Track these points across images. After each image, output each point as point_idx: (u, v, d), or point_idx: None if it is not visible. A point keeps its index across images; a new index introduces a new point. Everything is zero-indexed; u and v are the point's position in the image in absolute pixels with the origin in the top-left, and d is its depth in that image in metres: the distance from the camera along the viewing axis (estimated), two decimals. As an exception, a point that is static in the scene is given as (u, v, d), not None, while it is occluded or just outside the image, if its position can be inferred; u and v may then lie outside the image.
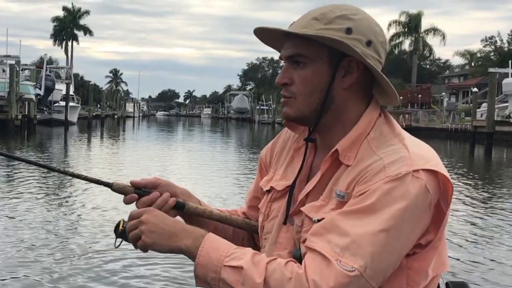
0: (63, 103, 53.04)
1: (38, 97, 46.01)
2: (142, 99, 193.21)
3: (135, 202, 1.81)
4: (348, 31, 1.63)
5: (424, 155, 1.59)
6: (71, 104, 54.94)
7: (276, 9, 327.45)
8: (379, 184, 1.53)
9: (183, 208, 1.84)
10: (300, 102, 1.69)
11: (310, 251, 1.55)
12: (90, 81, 76.56)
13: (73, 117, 55.96)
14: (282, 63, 1.75)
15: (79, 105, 63.53)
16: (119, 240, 1.74)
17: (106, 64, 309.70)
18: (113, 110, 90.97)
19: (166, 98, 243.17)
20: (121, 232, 1.72)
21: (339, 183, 1.63)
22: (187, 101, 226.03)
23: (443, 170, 1.58)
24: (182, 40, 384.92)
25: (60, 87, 54.89)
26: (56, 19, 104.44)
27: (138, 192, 1.81)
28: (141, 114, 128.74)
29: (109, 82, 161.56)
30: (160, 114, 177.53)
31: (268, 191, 1.87)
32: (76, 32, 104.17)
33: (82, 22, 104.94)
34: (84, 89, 77.82)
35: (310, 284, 1.48)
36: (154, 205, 1.79)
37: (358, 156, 1.63)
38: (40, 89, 47.11)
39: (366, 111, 1.69)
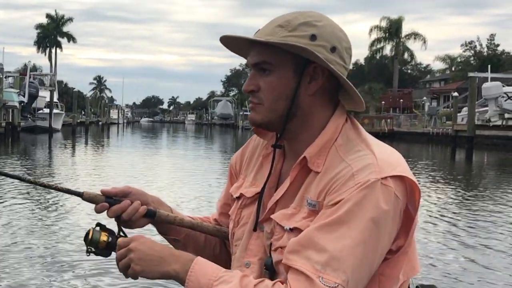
0: (47, 110, 52.81)
1: (22, 104, 45.69)
2: (127, 105, 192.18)
3: (106, 211, 1.81)
4: (313, 37, 1.64)
5: (391, 161, 1.61)
6: (55, 111, 54.64)
7: (258, 15, 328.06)
8: (350, 193, 1.54)
9: (154, 216, 1.85)
10: (266, 108, 1.70)
11: (291, 270, 1.54)
12: (74, 88, 75.63)
13: (57, 124, 55.66)
14: None
15: (63, 112, 63.19)
16: (90, 248, 1.75)
17: (90, 71, 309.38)
18: (97, 116, 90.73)
19: (151, 104, 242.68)
20: (89, 241, 1.73)
21: (309, 191, 1.65)
22: (171, 108, 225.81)
23: (410, 175, 1.60)
24: (166, 47, 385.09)
25: (44, 94, 54.56)
26: (39, 26, 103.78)
27: (108, 201, 1.81)
28: (125, 121, 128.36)
29: (93, 89, 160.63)
30: (144, 121, 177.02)
31: (238, 198, 1.88)
32: (59, 39, 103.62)
33: (65, 29, 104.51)
34: (68, 96, 77.38)
35: None
36: (124, 213, 1.80)
37: (327, 163, 1.65)
38: (24, 96, 46.85)
39: (333, 117, 1.71)
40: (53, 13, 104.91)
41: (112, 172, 19.98)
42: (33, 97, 49.50)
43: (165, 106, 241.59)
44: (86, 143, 43.06)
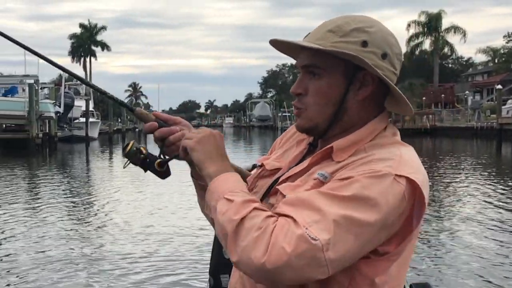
0: (83, 120, 53.40)
1: (58, 114, 46.23)
2: (163, 111, 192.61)
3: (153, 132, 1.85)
4: (364, 44, 1.66)
5: (413, 166, 1.61)
6: (91, 120, 55.31)
7: (292, 15, 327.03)
8: (360, 174, 1.55)
9: None
10: (312, 113, 1.72)
11: (283, 216, 1.54)
12: (113, 96, 75.99)
13: (94, 133, 56.35)
14: None
15: (99, 120, 63.86)
16: (127, 161, 1.82)
17: (125, 78, 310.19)
18: (134, 123, 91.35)
19: (187, 109, 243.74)
20: (127, 152, 1.80)
21: (322, 169, 1.67)
22: (208, 111, 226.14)
23: (425, 190, 1.59)
24: (200, 51, 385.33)
25: (80, 103, 55.01)
26: (73, 36, 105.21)
27: (158, 121, 1.85)
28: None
29: (129, 96, 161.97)
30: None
31: (259, 167, 1.93)
32: (93, 48, 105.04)
33: (99, 37, 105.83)
34: (104, 104, 78.08)
35: (271, 239, 1.48)
36: (172, 136, 1.83)
37: (351, 157, 1.66)
38: (59, 106, 47.33)
39: (373, 121, 1.72)
40: (86, 22, 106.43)
41: (151, 175, 19.88)
42: (69, 107, 49.94)
43: (202, 110, 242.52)
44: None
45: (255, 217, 1.53)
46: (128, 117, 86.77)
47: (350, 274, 1.60)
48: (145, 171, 1.83)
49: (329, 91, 1.69)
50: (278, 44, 1.79)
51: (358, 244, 1.53)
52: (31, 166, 27.91)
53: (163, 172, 1.84)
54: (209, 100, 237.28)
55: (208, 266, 2.93)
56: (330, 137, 1.74)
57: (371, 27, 1.69)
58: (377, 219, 1.52)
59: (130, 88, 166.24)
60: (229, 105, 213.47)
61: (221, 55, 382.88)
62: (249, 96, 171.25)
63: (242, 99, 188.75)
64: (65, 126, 50.44)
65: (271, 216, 1.54)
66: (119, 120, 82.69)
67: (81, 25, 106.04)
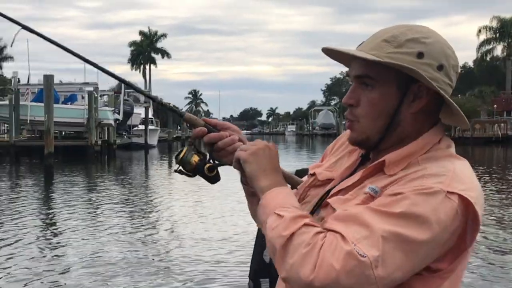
0: (142, 127, 54.01)
1: (117, 122, 46.80)
2: (224, 118, 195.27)
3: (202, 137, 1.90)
4: (420, 55, 1.64)
5: (467, 182, 1.58)
6: (150, 127, 55.84)
7: (355, 21, 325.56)
8: (411, 192, 1.53)
9: None
10: (364, 125, 1.71)
11: (331, 232, 1.53)
12: (169, 103, 77.15)
13: (153, 140, 56.82)
14: None
15: (158, 128, 64.28)
16: (179, 167, 1.87)
17: (185, 85, 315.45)
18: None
19: (248, 116, 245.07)
20: (180, 160, 1.85)
21: (374, 183, 1.66)
22: (270, 119, 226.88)
23: (478, 207, 1.57)
24: (261, 58, 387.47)
25: (139, 110, 55.52)
26: (133, 43, 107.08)
27: (208, 127, 1.88)
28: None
29: (189, 103, 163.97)
30: (242, 133, 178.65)
31: (311, 175, 1.93)
32: (153, 55, 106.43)
33: (159, 45, 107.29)
34: (163, 112, 79.00)
35: (319, 257, 1.48)
36: (221, 141, 1.86)
37: (403, 171, 1.64)
38: (118, 113, 47.92)
39: (427, 133, 1.70)
40: (146, 30, 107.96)
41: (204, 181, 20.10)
42: (128, 114, 50.46)
43: (263, 117, 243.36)
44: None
45: (305, 234, 1.53)
46: (188, 124, 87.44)
47: None
48: (194, 175, 1.86)
49: (382, 103, 1.68)
50: (331, 53, 1.77)
51: (408, 262, 1.51)
52: (90, 173, 28.37)
53: (213, 177, 1.87)
54: (271, 108, 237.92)
55: (248, 270, 2.89)
56: (382, 150, 1.73)
57: (427, 38, 1.67)
58: (428, 237, 1.51)
59: (190, 95, 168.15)
60: (291, 112, 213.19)
61: (283, 62, 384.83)
62: (312, 103, 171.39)
63: (304, 107, 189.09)
64: (124, 133, 50.97)
65: (321, 232, 1.54)
66: (179, 127, 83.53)
67: (141, 33, 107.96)
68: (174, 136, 69.52)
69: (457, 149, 1.72)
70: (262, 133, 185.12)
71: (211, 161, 1.87)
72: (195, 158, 1.85)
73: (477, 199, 1.57)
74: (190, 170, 1.85)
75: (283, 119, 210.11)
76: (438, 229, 1.51)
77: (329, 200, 1.74)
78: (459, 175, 1.58)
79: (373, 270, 1.46)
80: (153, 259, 9.66)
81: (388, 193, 1.58)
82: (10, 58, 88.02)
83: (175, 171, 1.87)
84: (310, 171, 1.96)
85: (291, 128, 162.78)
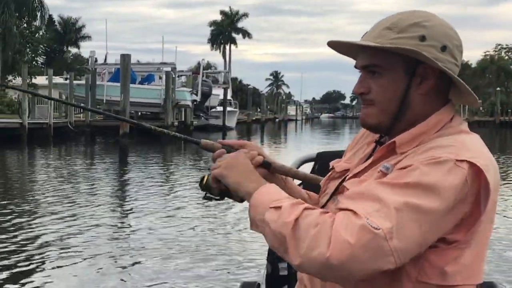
0: (220, 108, 54.15)
1: (195, 103, 47.17)
2: (305, 101, 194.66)
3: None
4: (422, 38, 1.73)
5: (476, 151, 1.65)
6: (229, 109, 55.82)
7: (445, 2, 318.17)
8: (420, 163, 1.60)
9: (269, 166, 2.00)
10: (377, 109, 1.80)
11: (342, 211, 1.58)
12: (249, 85, 77.84)
13: (231, 122, 56.91)
14: None
15: (237, 109, 64.24)
16: (206, 193, 1.92)
17: (266, 67, 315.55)
18: (274, 113, 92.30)
19: (331, 99, 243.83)
20: (204, 186, 1.90)
21: (389, 162, 1.74)
22: (354, 102, 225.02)
23: (489, 174, 1.60)
24: (347, 39, 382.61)
25: (218, 92, 55.63)
26: (213, 23, 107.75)
27: (226, 148, 1.95)
28: (304, 117, 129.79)
29: (269, 85, 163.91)
30: (324, 117, 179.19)
31: (331, 169, 2.04)
32: (234, 35, 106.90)
33: (240, 25, 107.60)
34: (243, 93, 79.38)
35: (332, 233, 1.51)
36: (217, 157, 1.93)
37: (415, 149, 1.71)
38: (196, 95, 48.31)
39: (437, 112, 1.78)
40: (227, 9, 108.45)
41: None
42: (206, 95, 50.71)
43: (347, 101, 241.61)
44: (262, 140, 43.92)
45: (309, 216, 1.58)
46: (268, 106, 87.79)
47: (419, 264, 1.64)
48: (222, 198, 1.91)
49: (391, 87, 1.76)
50: (336, 46, 1.89)
51: (423, 231, 1.55)
52: (166, 154, 28.75)
53: (237, 198, 1.88)
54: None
55: (267, 253, 2.86)
56: (396, 133, 1.79)
57: (428, 21, 1.75)
58: (439, 205, 1.55)
59: (271, 77, 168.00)
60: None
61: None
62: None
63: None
64: (201, 114, 51.31)
65: (325, 212, 1.60)
66: (258, 109, 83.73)
67: (222, 12, 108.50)
68: (254, 118, 69.71)
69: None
70: (345, 116, 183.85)
71: None
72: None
73: (487, 166, 1.62)
74: (217, 194, 1.90)
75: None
76: (449, 196, 1.56)
77: (345, 183, 1.84)
78: (468, 145, 1.65)
79: (388, 241, 1.50)
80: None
81: (398, 167, 1.65)
82: (88, 37, 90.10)
83: (203, 198, 1.94)
84: (331, 165, 2.06)
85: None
